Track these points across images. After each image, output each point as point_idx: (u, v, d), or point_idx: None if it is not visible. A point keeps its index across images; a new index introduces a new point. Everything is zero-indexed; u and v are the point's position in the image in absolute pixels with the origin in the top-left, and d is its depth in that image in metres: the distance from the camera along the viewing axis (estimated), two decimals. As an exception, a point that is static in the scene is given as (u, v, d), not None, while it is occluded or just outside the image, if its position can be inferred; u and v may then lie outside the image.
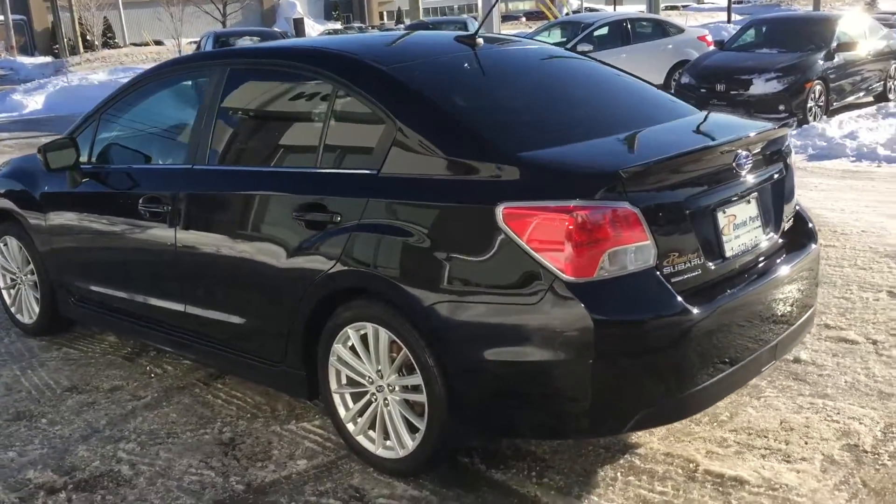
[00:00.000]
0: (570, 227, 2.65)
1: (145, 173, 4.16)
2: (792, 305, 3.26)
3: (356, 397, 3.34)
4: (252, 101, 3.83)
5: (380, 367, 3.19)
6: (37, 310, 4.92)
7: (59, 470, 3.47)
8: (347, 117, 3.37)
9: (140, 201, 3.95)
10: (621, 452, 3.32)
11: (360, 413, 3.32)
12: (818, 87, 12.19)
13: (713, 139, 3.01)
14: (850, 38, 13.10)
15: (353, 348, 3.27)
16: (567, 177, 2.79)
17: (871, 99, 13.75)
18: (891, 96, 13.94)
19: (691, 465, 3.21)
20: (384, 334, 3.12)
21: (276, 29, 25.07)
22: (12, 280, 5.08)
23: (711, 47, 15.83)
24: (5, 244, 5.02)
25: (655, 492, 3.07)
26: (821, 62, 12.33)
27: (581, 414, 2.79)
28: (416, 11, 29.22)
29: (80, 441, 3.70)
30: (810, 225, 3.52)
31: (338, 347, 3.29)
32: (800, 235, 3.44)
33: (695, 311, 2.75)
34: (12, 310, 5.12)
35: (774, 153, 3.33)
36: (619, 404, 2.76)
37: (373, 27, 74.56)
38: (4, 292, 5.16)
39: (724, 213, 3.01)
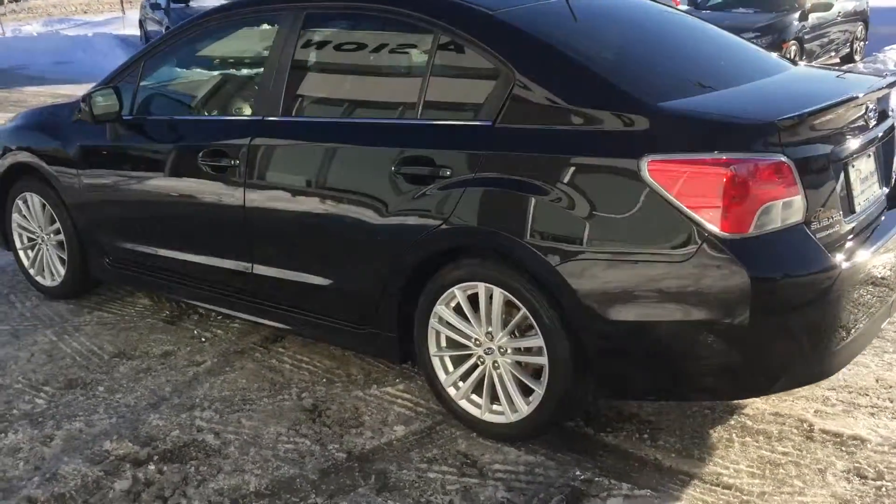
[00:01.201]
0: (728, 180, 2.54)
1: (204, 125, 3.91)
2: None
3: (458, 360, 3.20)
4: (337, 49, 3.60)
5: (490, 329, 3.05)
6: (62, 271, 4.63)
7: (138, 440, 3.26)
8: (452, 66, 3.18)
9: (199, 155, 3.70)
10: (728, 413, 3.26)
11: (464, 377, 3.18)
12: (794, 48, 12.27)
13: (849, 90, 2.92)
14: (822, -2, 13.21)
15: (457, 309, 3.13)
16: (721, 128, 2.67)
17: (837, 60, 13.93)
18: (857, 57, 14.15)
19: (805, 425, 3.17)
20: (499, 294, 2.98)
21: None
22: (31, 240, 4.77)
23: (680, 6, 15.81)
24: (25, 202, 4.69)
25: (777, 452, 3.01)
26: (796, 23, 12.41)
27: (729, 374, 2.70)
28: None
29: (150, 409, 3.49)
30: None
31: (440, 308, 3.14)
32: None
33: (843, 266, 2.68)
34: (31, 272, 4.81)
35: (885, 108, 3.26)
36: (768, 363, 2.68)
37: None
38: (22, 253, 4.84)
39: (854, 166, 2.93)
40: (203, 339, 4.15)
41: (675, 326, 2.68)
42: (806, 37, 12.54)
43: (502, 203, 2.91)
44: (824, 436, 3.10)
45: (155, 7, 18.10)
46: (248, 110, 3.74)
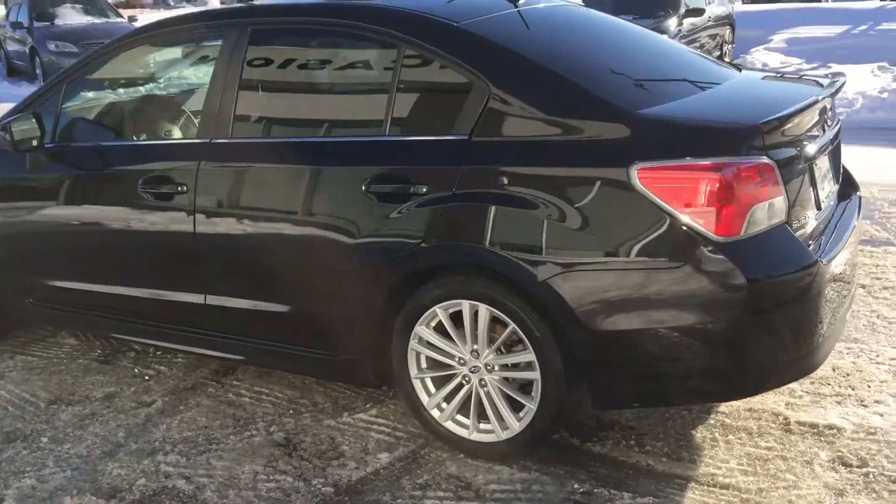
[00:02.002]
0: (720, 184, 2.57)
1: (142, 150, 3.68)
2: (856, 252, 3.35)
3: (441, 381, 3.12)
4: (288, 66, 3.46)
5: (475, 347, 2.98)
6: (-24, 315, 4.26)
7: (101, 493, 3.02)
8: (420, 80, 3.11)
9: (139, 182, 3.48)
10: (705, 413, 3.31)
11: (448, 397, 3.10)
12: (672, 52, 12.74)
13: (812, 93, 3.01)
14: (695, 4, 13.79)
15: (438, 328, 3.05)
16: (708, 133, 2.70)
17: (711, 62, 14.56)
18: (726, 59, 14.84)
19: (781, 419, 3.25)
20: (484, 310, 2.92)
21: None
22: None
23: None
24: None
25: (762, 447, 3.07)
26: (673, 28, 12.90)
27: (724, 376, 2.73)
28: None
29: (107, 458, 3.25)
30: (851, 175, 3.62)
31: (420, 329, 3.06)
32: (847, 186, 3.52)
33: (823, 261, 2.75)
34: (-63, 317, 4.41)
35: (834, 109, 3.39)
36: (761, 363, 2.73)
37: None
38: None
39: (817, 165, 3.02)
40: (147, 378, 3.90)
41: (672, 332, 2.69)
42: (682, 41, 13.06)
43: (486, 218, 2.85)
44: (801, 428, 3.18)
45: (16, 26, 17.14)
46: (184, 132, 3.55)
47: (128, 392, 3.77)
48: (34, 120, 3.68)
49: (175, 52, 3.80)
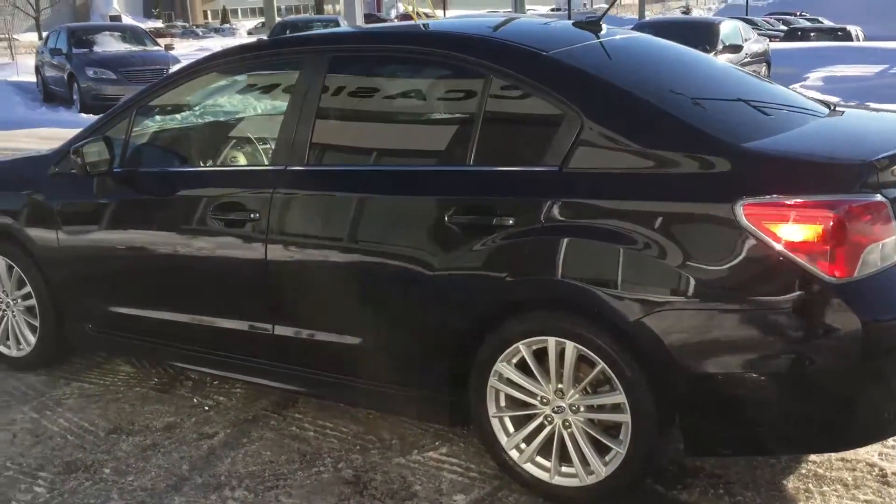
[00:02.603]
0: (835, 223, 2.45)
1: (214, 176, 3.62)
2: None
3: (521, 420, 3.00)
4: (371, 93, 3.40)
5: (560, 386, 2.87)
6: (31, 339, 4.20)
7: (169, 530, 2.91)
8: (507, 109, 3.03)
9: (210, 209, 3.42)
10: (794, 462, 3.17)
11: (529, 438, 2.98)
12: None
13: None
14: (733, 41, 13.77)
15: (520, 365, 2.94)
16: (819, 169, 2.59)
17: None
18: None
19: (876, 470, 3.10)
20: (571, 348, 2.81)
21: (134, 24, 23.32)
22: (-7, 306, 4.33)
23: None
24: (-15, 265, 4.26)
25: (860, 500, 2.92)
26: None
27: (827, 427, 2.60)
28: (271, 11, 28.21)
29: (172, 492, 3.15)
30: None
31: (501, 366, 2.95)
32: None
33: None
34: (-7, 341, 4.36)
35: None
36: (866, 413, 2.59)
37: (197, 27, 72.04)
38: (-20, 322, 4.38)
39: None
40: (206, 408, 3.81)
41: (775, 377, 2.56)
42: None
43: (577, 252, 2.75)
44: (899, 480, 3.03)
45: (55, 52, 17.36)
46: (256, 160, 3.49)
47: (188, 423, 3.68)
48: (104, 144, 3.64)
49: (247, 80, 3.75)
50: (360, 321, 3.22)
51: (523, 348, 2.90)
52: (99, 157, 3.61)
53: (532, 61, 2.98)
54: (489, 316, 2.95)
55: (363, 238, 3.15)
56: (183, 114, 3.93)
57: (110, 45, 17.42)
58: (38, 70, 19.41)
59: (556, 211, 2.78)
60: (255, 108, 3.83)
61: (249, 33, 63.09)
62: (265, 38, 20.44)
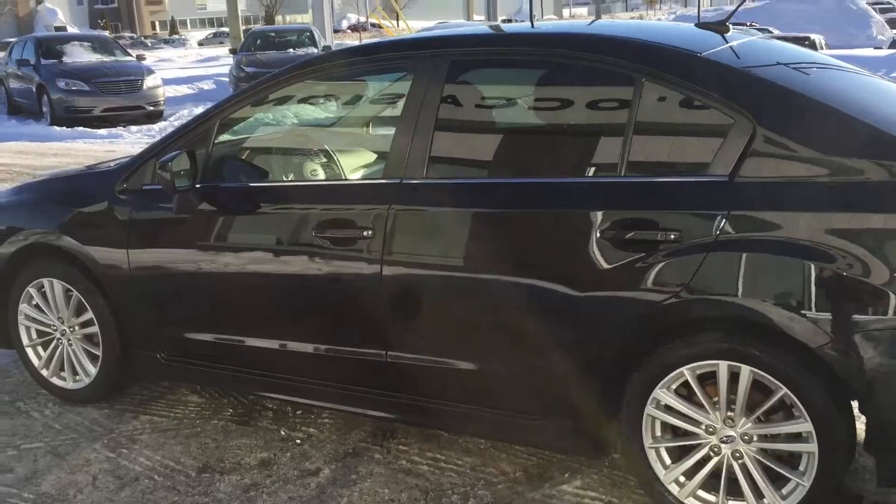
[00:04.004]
0: None
1: (315, 191, 3.35)
2: None
3: (681, 451, 2.79)
4: (499, 100, 3.16)
5: (730, 413, 2.66)
6: (92, 370, 3.87)
7: (306, 582, 2.64)
8: (662, 115, 2.82)
9: (314, 227, 3.15)
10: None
11: (692, 471, 2.76)
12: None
13: None
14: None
15: (681, 392, 2.73)
16: None
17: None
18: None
19: None
20: (747, 372, 2.60)
21: (102, 34, 22.51)
22: (44, 335, 3.99)
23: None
24: (39, 289, 3.92)
25: None
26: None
27: None
28: (235, 20, 27.72)
29: (295, 539, 2.86)
30: None
31: (660, 392, 2.74)
32: None
33: None
34: (44, 373, 4.01)
35: None
36: None
37: (145, 38, 70.76)
38: (31, 350, 4.04)
39: None
40: (298, 441, 3.53)
41: None
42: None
43: (758, 269, 2.55)
44: None
45: (22, 64, 16.76)
46: (360, 172, 3.23)
47: (283, 458, 3.39)
48: (188, 157, 3.35)
49: (344, 87, 3.48)
50: (489, 347, 2.98)
51: (688, 373, 2.69)
52: (184, 172, 3.32)
53: (690, 63, 2.77)
54: (646, 339, 2.73)
55: (496, 257, 2.91)
56: (273, 124, 3.65)
57: (80, 55, 16.86)
58: (0, 82, 18.73)
59: (727, 224, 2.58)
60: (357, 118, 3.56)
61: (200, 44, 62.12)
62: (231, 48, 19.95)
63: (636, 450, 2.82)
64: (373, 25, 50.09)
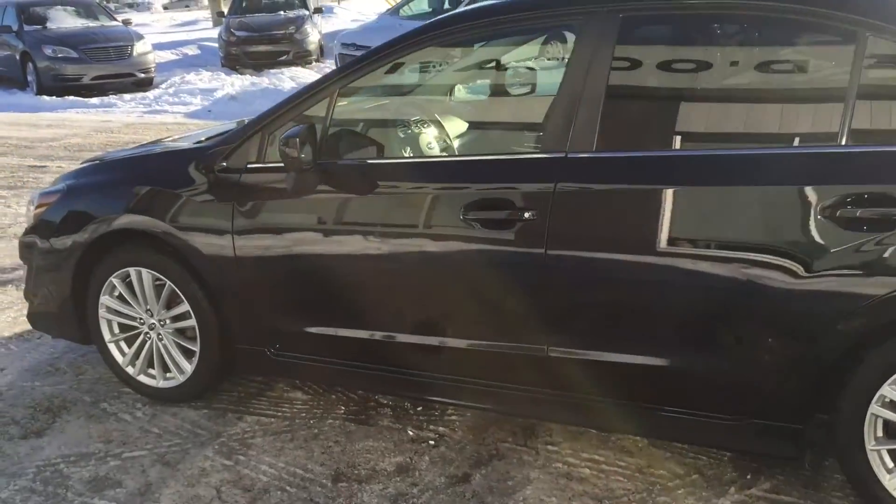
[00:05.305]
0: None
1: (459, 168, 3.00)
2: None
3: (907, 454, 2.51)
4: (685, 62, 2.80)
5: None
6: (187, 367, 3.51)
7: None
8: (888, 75, 2.49)
9: (461, 208, 2.80)
10: None
11: (920, 476, 2.49)
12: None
13: None
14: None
15: (910, 389, 2.44)
16: None
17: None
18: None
19: None
20: None
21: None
22: (129, 328, 3.62)
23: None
24: (125, 279, 3.54)
25: None
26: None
27: None
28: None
29: (473, 560, 2.56)
30: None
31: (889, 389, 2.45)
32: None
33: None
34: (129, 370, 3.65)
35: None
36: None
37: (107, 1, 68.36)
38: (114, 346, 3.67)
39: None
40: (431, 443, 3.21)
41: None
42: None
43: None
44: None
45: (3, 30, 16.02)
46: (541, 145, 2.88)
47: (422, 463, 3.08)
48: (309, 132, 2.97)
49: (483, 51, 3.11)
50: (680, 340, 2.67)
51: (925, 368, 2.39)
52: (306, 149, 2.95)
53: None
54: (875, 330, 2.43)
55: (685, 241, 2.59)
56: (406, 93, 3.26)
57: (65, 21, 16.16)
58: (-23, 50, 17.90)
59: None
60: (500, 85, 3.19)
61: (165, 8, 60.48)
62: (224, 11, 19.17)
63: (854, 452, 2.54)
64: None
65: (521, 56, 3.32)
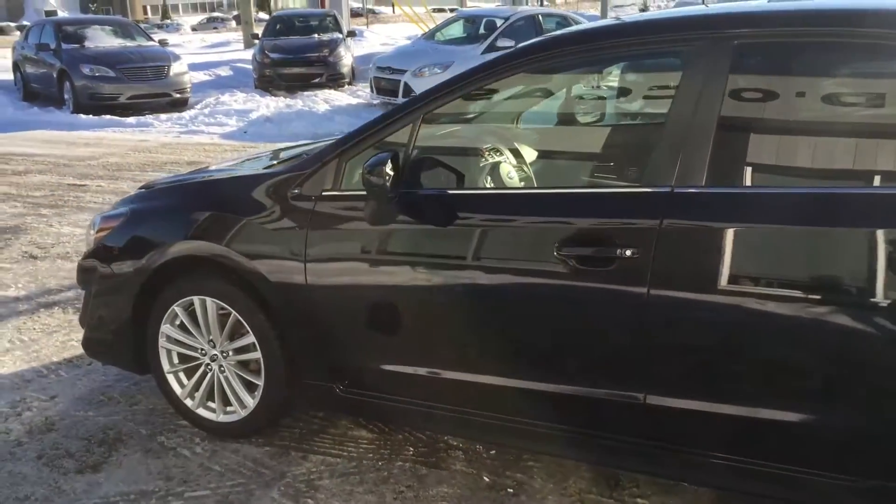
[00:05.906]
0: None
1: (553, 202, 2.81)
2: None
3: None
4: (804, 92, 2.63)
5: None
6: (250, 402, 3.36)
7: None
8: None
9: (554, 244, 2.64)
10: None
11: None
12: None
13: None
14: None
15: None
16: None
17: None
18: None
19: None
20: None
21: (122, 18, 21.59)
22: (189, 359, 3.47)
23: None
24: (188, 307, 3.39)
25: None
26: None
27: None
28: (246, 5, 26.98)
29: None
30: None
31: None
32: None
33: None
34: (188, 403, 3.50)
35: None
36: None
37: (137, 23, 69.56)
38: (172, 377, 3.52)
39: None
40: (510, 490, 3.03)
41: None
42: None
43: None
44: None
45: (41, 48, 16.11)
46: (642, 178, 2.72)
47: (507, 513, 2.89)
48: (391, 162, 2.82)
49: (579, 79, 2.96)
50: (793, 393, 2.47)
51: None
52: (389, 177, 2.80)
53: None
54: None
55: (813, 285, 2.39)
56: (485, 122, 3.11)
57: (102, 40, 16.21)
58: (16, 67, 18.06)
59: None
60: (596, 114, 3.04)
61: (194, 29, 61.07)
62: (259, 33, 19.21)
63: None
64: (370, 11, 49.26)
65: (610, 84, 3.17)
